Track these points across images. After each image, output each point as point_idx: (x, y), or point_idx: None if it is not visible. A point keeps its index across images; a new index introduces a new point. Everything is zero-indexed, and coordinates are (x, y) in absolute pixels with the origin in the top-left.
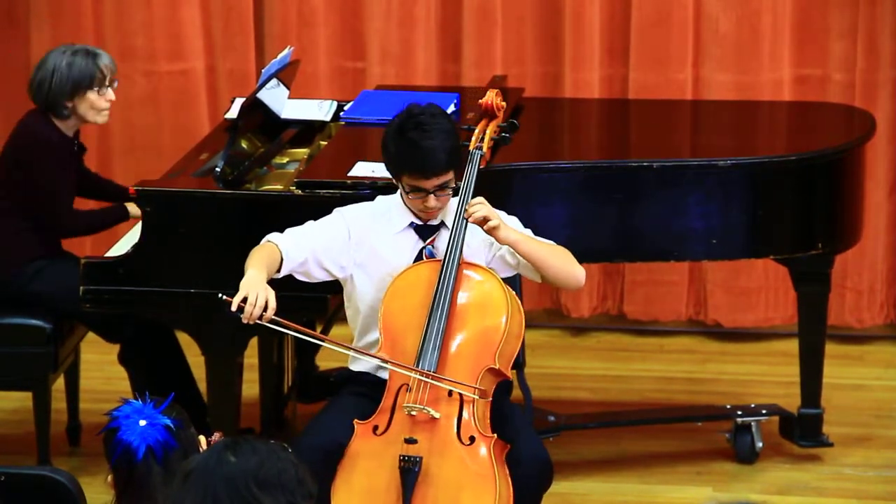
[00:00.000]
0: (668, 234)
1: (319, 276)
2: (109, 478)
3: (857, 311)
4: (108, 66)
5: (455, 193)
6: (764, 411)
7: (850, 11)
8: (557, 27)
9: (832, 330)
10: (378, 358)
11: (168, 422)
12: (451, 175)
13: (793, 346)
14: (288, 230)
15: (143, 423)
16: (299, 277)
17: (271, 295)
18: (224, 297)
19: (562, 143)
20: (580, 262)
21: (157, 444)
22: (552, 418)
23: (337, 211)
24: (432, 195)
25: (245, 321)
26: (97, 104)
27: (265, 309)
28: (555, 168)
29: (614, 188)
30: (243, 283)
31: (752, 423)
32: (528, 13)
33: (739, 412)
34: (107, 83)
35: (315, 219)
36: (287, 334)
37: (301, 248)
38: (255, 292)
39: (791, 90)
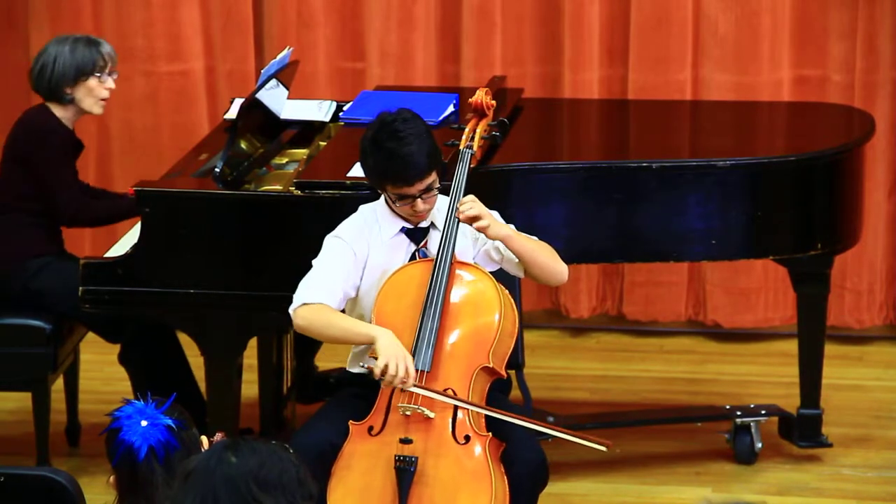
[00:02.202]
0: (667, 234)
1: (343, 307)
2: (111, 478)
3: (856, 312)
4: (109, 55)
5: (445, 193)
6: (763, 412)
7: (850, 12)
8: (556, 28)
9: (831, 330)
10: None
11: (170, 422)
12: (434, 176)
13: (792, 346)
14: (308, 283)
15: (144, 423)
16: None
17: (410, 361)
18: (367, 367)
19: (561, 143)
20: (579, 262)
21: (158, 444)
22: (551, 419)
23: (332, 238)
24: (419, 199)
25: (385, 387)
26: (97, 91)
27: (407, 375)
28: (554, 168)
29: (614, 188)
30: (383, 350)
31: (752, 424)
32: (528, 13)
33: (739, 413)
34: (108, 71)
35: (313, 219)
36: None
37: (335, 295)
38: (394, 362)
39: (790, 91)
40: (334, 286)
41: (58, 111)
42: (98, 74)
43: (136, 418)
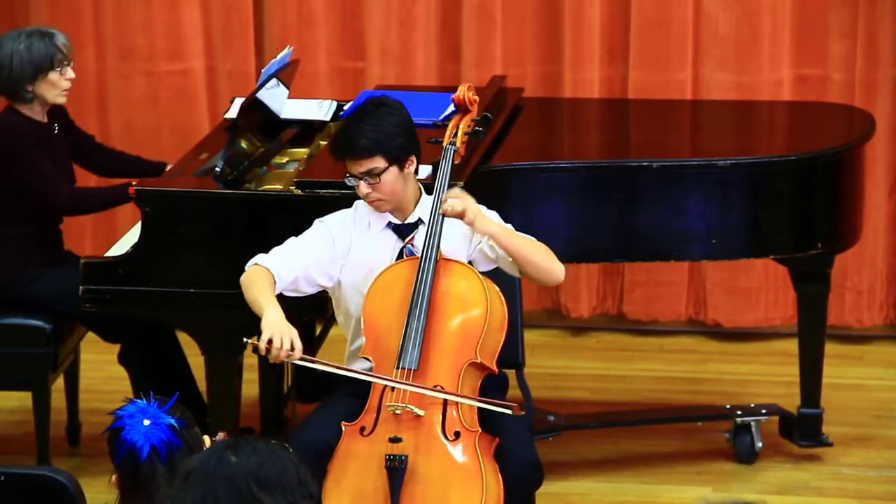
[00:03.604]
0: (667, 234)
1: (309, 291)
2: (114, 478)
3: (856, 311)
4: (65, 45)
5: (429, 190)
6: (764, 411)
7: (850, 11)
8: (557, 27)
9: (832, 330)
10: (408, 385)
11: (172, 421)
12: (378, 162)
13: (792, 345)
14: (273, 250)
15: (147, 422)
16: (289, 294)
17: (295, 335)
18: (249, 341)
19: (561, 143)
20: (580, 261)
21: (161, 443)
22: (552, 418)
23: (318, 221)
24: (362, 182)
25: (272, 361)
26: (59, 84)
27: (292, 349)
28: (554, 168)
29: (614, 188)
30: (266, 324)
31: (752, 423)
32: (528, 13)
33: (739, 412)
34: (66, 62)
35: (314, 218)
36: (315, 371)
37: (292, 268)
38: (279, 335)
39: (791, 90)
40: (294, 263)
41: (24, 109)
42: (58, 68)
43: (139, 417)
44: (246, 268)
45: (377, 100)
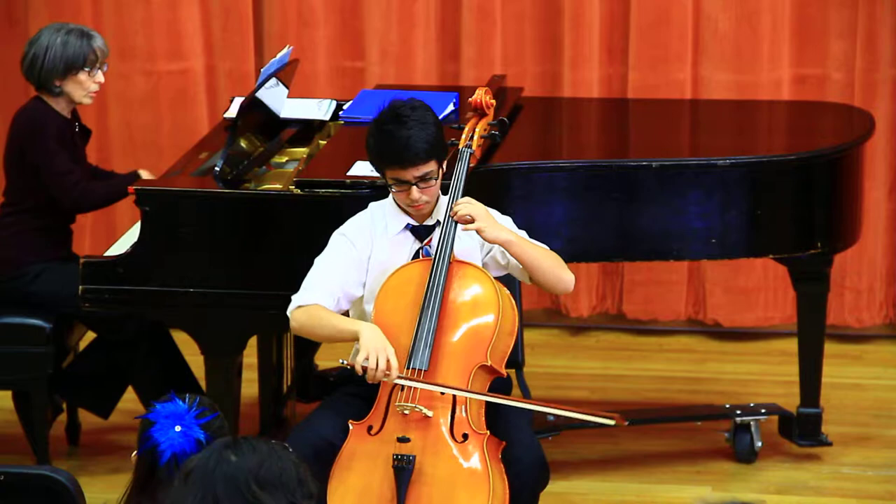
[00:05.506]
0: (667, 233)
1: (347, 308)
2: (133, 455)
3: (856, 311)
4: (101, 49)
5: (444, 192)
6: (763, 411)
7: (850, 11)
8: (557, 26)
9: (831, 329)
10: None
11: (201, 437)
12: (432, 166)
13: (792, 345)
14: (306, 284)
15: (178, 429)
16: None
17: (392, 353)
18: (346, 363)
19: (561, 142)
20: (579, 261)
21: (183, 454)
22: (552, 418)
23: (337, 233)
24: (415, 187)
25: (370, 382)
26: (86, 85)
27: (388, 369)
28: (554, 168)
29: (613, 188)
30: (365, 343)
31: (752, 423)
32: (528, 13)
33: (739, 411)
34: (98, 65)
35: (313, 218)
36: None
37: (332, 293)
38: (375, 355)
39: (790, 90)
40: (331, 286)
41: (51, 101)
42: (88, 69)
43: (172, 421)
44: (288, 314)
45: (413, 102)
